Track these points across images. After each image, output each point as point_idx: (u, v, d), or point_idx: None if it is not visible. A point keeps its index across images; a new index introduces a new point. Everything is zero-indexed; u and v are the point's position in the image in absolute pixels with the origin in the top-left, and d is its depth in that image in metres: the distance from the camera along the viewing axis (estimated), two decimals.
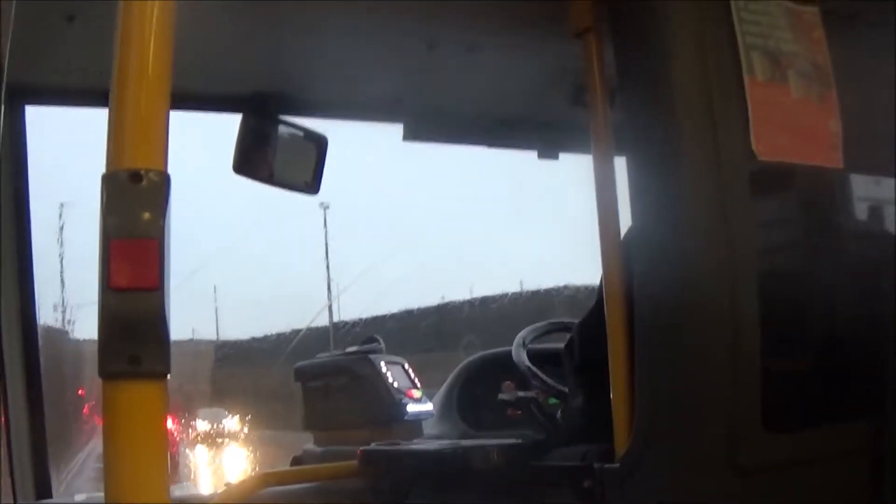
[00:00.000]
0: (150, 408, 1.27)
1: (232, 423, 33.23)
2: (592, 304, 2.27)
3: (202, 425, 32.91)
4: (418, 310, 33.77)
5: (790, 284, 1.86)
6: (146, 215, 1.28)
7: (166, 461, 1.28)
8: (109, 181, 1.29)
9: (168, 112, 1.33)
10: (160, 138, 1.32)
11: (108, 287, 1.25)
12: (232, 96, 2.79)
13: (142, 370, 1.25)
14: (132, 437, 1.26)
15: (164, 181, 1.30)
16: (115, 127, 1.31)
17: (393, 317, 32.66)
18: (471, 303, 32.18)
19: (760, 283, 1.75)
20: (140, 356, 1.25)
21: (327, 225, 36.58)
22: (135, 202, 1.28)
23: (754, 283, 1.74)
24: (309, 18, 2.40)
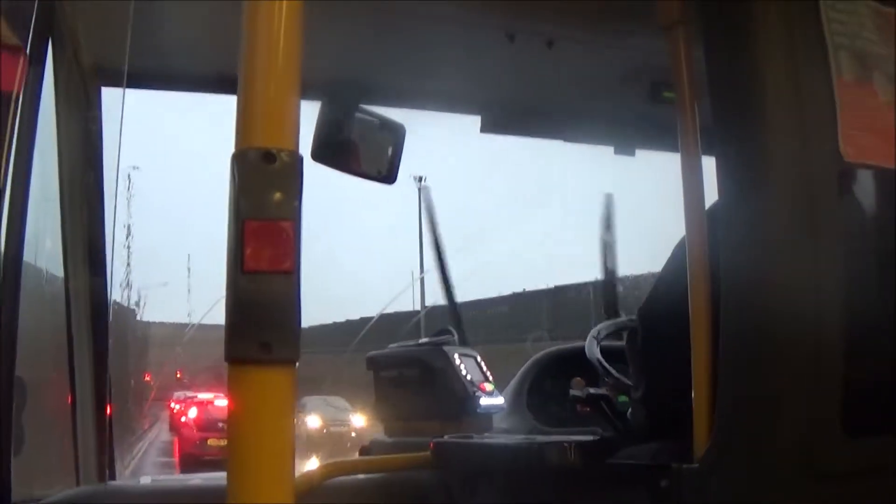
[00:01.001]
0: (279, 394, 1.24)
1: (356, 418, 25.23)
2: (650, 293, 2.25)
3: (313, 421, 25.91)
4: (492, 298, 33.34)
5: (874, 286, 1.83)
6: (280, 196, 1.24)
7: (293, 449, 1.24)
8: (241, 160, 1.25)
9: (299, 91, 1.30)
10: (292, 118, 1.29)
11: (242, 270, 1.22)
12: (311, 84, 2.80)
13: (272, 356, 1.22)
14: (259, 424, 1.23)
15: (297, 161, 1.27)
16: (246, 104, 1.28)
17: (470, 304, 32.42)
18: (546, 292, 31.77)
19: (845, 285, 1.72)
20: (271, 342, 1.22)
21: (422, 202, 35.92)
22: (268, 182, 1.24)
23: (839, 284, 1.72)
24: (388, 7, 2.41)
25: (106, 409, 2.99)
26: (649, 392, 2.37)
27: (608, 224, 4.11)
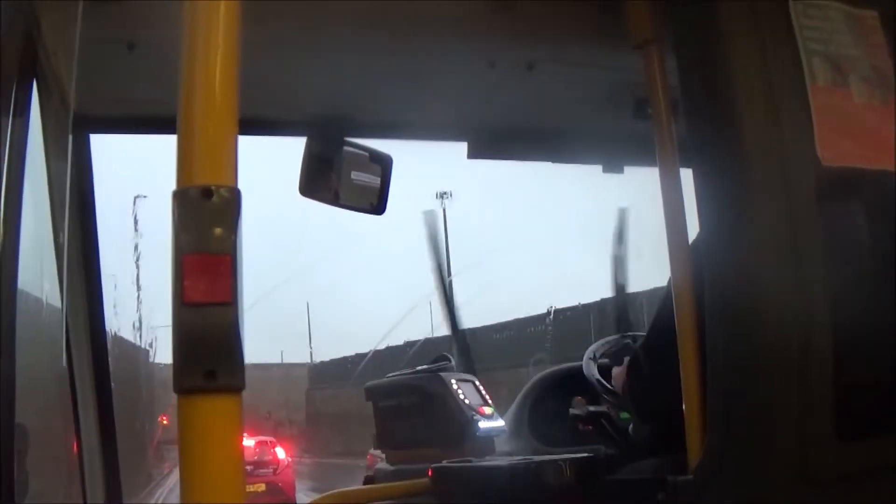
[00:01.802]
0: (225, 422, 1.27)
1: None
2: (653, 318, 2.27)
3: None
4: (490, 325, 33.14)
5: (860, 290, 1.84)
6: (218, 231, 1.28)
7: (242, 475, 1.27)
8: (181, 197, 1.29)
9: (237, 128, 1.33)
10: (230, 155, 1.32)
11: (182, 302, 1.26)
12: (296, 119, 2.83)
13: (217, 385, 1.25)
14: (208, 452, 1.26)
15: (235, 197, 1.30)
16: (184, 144, 1.31)
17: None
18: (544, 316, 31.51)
19: (831, 290, 1.73)
20: (215, 371, 1.25)
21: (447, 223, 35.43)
22: (206, 218, 1.28)
23: (825, 290, 1.73)
24: (370, 42, 2.43)
25: (111, 433, 3.00)
26: (656, 416, 2.38)
27: (621, 238, 4.10)
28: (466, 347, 4.24)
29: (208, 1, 1.34)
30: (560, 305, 30.01)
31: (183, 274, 1.26)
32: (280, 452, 25.42)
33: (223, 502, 1.25)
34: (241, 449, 1.30)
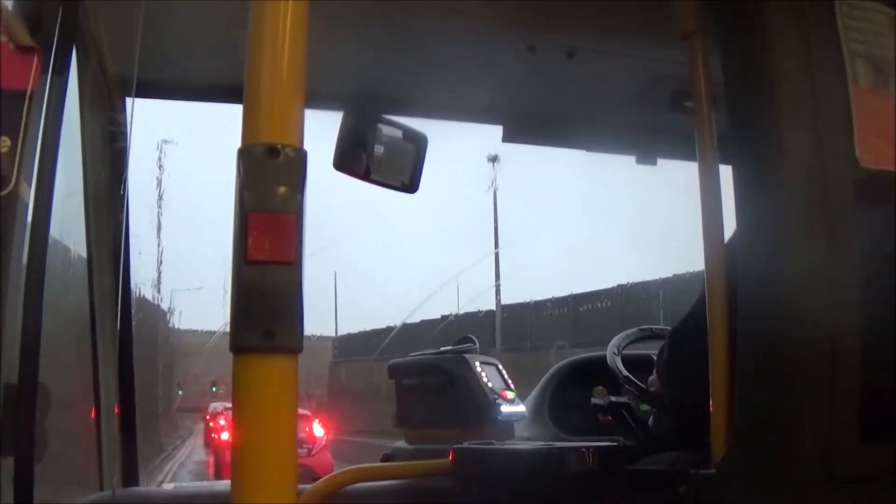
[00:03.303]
0: (282, 383, 1.27)
1: None
2: (687, 313, 2.26)
3: None
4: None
5: (892, 293, 1.83)
6: (284, 190, 1.28)
7: (295, 439, 1.27)
8: (246, 155, 1.29)
9: (304, 88, 1.34)
10: (297, 114, 1.32)
11: (245, 260, 1.26)
12: (334, 94, 2.83)
13: (275, 345, 1.25)
14: (262, 413, 1.26)
15: (301, 157, 1.30)
16: (250, 102, 1.32)
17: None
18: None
19: (862, 293, 1.73)
20: (274, 331, 1.25)
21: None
22: (272, 176, 1.28)
23: (857, 291, 1.72)
24: (410, 20, 2.43)
25: (131, 415, 3.01)
26: (674, 402, 2.38)
27: None
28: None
29: None
30: (632, 280, 28.38)
31: (247, 231, 1.26)
32: (317, 429, 21.20)
33: (275, 462, 1.25)
34: (296, 408, 1.29)
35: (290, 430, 1.27)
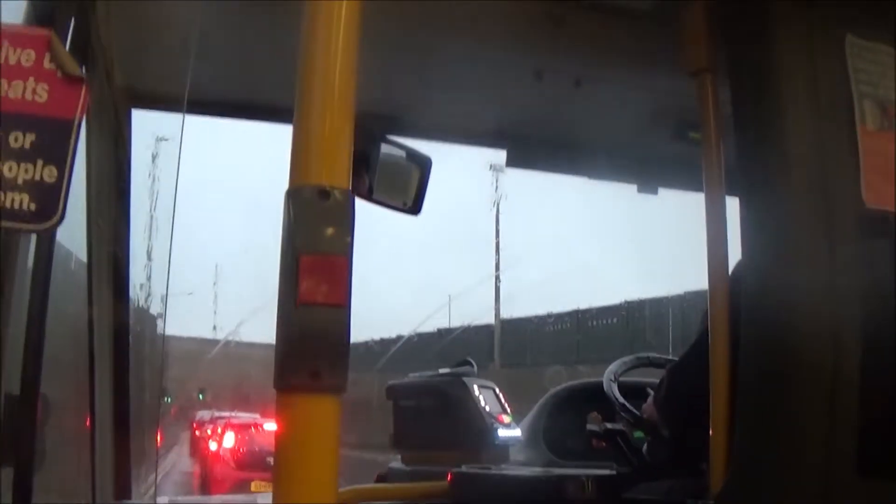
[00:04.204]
0: (325, 422, 1.28)
1: None
2: (689, 347, 2.28)
3: None
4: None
5: (892, 331, 1.84)
6: (334, 231, 1.30)
7: (336, 475, 1.28)
8: (296, 196, 1.30)
9: (353, 130, 1.35)
10: (345, 156, 1.34)
11: (296, 302, 1.26)
12: None
13: (321, 385, 1.26)
14: (306, 450, 1.27)
15: (350, 199, 1.32)
16: (300, 142, 1.33)
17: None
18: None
19: (863, 329, 1.74)
20: (320, 371, 1.26)
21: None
22: (322, 218, 1.29)
23: (857, 327, 1.74)
24: (418, 41, 2.44)
25: (126, 428, 3.01)
26: (670, 434, 2.39)
27: None
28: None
29: (330, 1, 1.36)
30: (638, 297, 27.23)
31: (299, 274, 1.27)
32: None
33: (315, 498, 1.26)
34: (338, 448, 1.30)
35: (331, 466, 1.28)
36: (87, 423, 2.88)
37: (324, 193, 1.29)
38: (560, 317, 29.50)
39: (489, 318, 30.73)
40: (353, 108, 1.35)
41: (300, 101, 1.34)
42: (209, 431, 23.37)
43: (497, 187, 32.01)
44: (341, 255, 1.30)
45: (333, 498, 1.28)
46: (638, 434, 2.66)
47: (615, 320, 27.02)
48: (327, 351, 1.28)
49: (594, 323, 27.98)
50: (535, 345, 28.63)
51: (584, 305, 28.91)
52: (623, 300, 27.21)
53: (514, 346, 29.69)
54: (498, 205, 31.73)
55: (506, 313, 30.94)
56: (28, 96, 1.72)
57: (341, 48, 1.35)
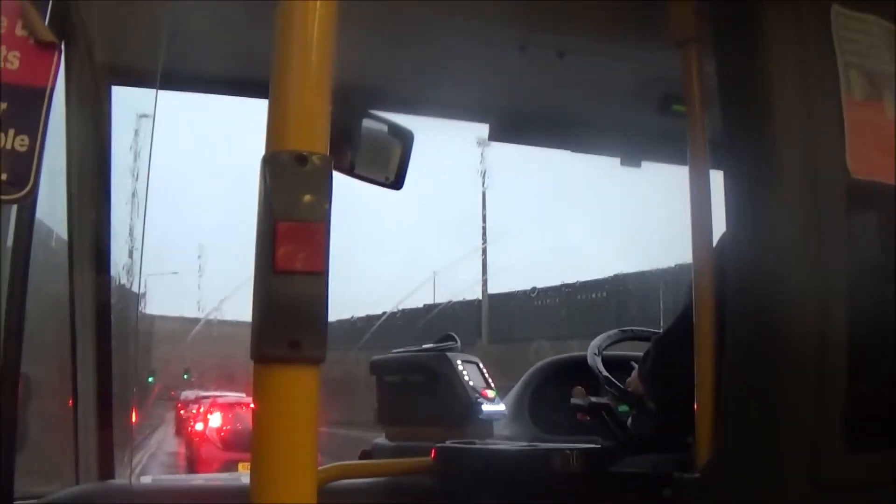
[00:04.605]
0: (305, 393, 1.26)
1: None
2: (675, 319, 2.27)
3: None
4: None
5: (880, 302, 1.84)
6: (312, 198, 1.28)
7: (315, 448, 1.27)
8: (273, 162, 1.28)
9: (329, 96, 1.33)
10: (323, 122, 1.32)
11: (273, 270, 1.25)
12: None
13: (300, 355, 1.25)
14: (284, 422, 1.26)
15: (327, 164, 1.30)
16: (276, 108, 1.31)
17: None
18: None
19: (850, 301, 1.73)
20: (300, 341, 1.24)
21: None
22: (300, 184, 1.27)
23: (844, 299, 1.73)
24: (399, 15, 2.42)
25: (108, 408, 3.00)
26: (656, 407, 2.39)
27: None
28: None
29: None
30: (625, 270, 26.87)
31: (276, 241, 1.25)
32: None
33: (295, 472, 1.25)
34: (317, 418, 1.29)
35: (310, 439, 1.27)
36: (70, 403, 2.87)
37: (301, 159, 1.28)
38: (547, 291, 29.27)
39: (473, 294, 30.73)
40: (330, 73, 1.34)
41: (277, 66, 1.33)
42: (194, 411, 23.14)
43: (482, 159, 31.82)
44: (319, 221, 1.28)
45: (313, 469, 1.27)
46: (623, 408, 2.66)
47: (604, 294, 26.75)
48: (306, 320, 1.26)
49: (583, 297, 27.69)
50: (523, 320, 28.54)
51: (571, 280, 28.75)
52: (612, 274, 27.08)
53: (502, 321, 29.66)
54: (484, 174, 31.55)
55: (491, 289, 30.89)
56: (0, 64, 1.70)
57: (319, 15, 1.34)
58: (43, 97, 1.72)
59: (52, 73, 1.74)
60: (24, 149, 1.67)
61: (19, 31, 1.73)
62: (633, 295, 24.80)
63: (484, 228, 30.99)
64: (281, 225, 1.26)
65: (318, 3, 1.34)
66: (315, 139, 1.30)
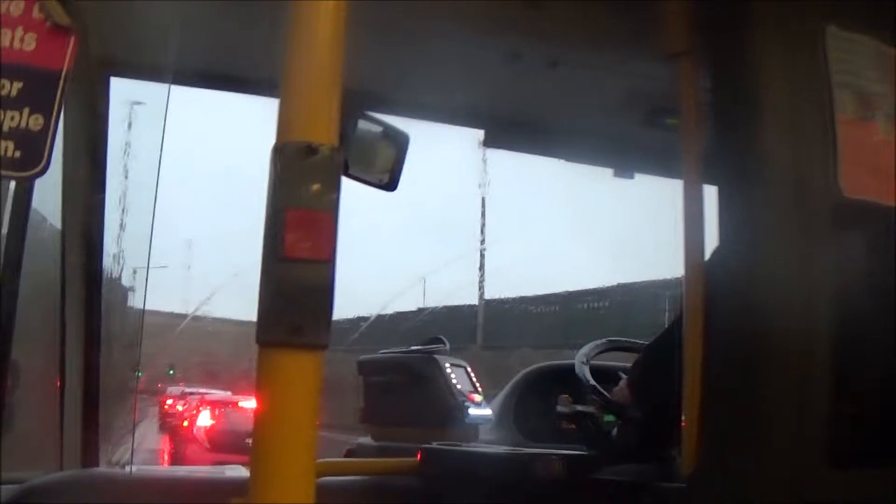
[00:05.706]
0: (307, 378, 1.28)
1: None
2: (665, 330, 2.28)
3: None
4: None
5: (866, 320, 1.85)
6: (320, 188, 1.29)
7: (316, 434, 1.28)
8: (282, 152, 1.30)
9: (340, 87, 1.34)
10: (332, 113, 1.33)
11: (280, 256, 1.27)
12: None
13: (303, 341, 1.27)
14: (286, 407, 1.27)
15: (337, 156, 1.31)
16: (288, 99, 1.33)
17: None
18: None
19: (836, 318, 1.75)
20: (303, 326, 1.26)
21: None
22: (309, 174, 1.29)
23: (832, 316, 1.75)
24: (396, 19, 2.43)
25: (94, 396, 3.00)
26: (643, 416, 2.40)
27: None
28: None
29: None
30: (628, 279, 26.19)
31: (284, 228, 1.27)
32: None
33: (295, 457, 1.26)
34: (319, 405, 1.30)
35: (311, 424, 1.28)
36: (57, 388, 2.88)
37: (311, 149, 1.29)
38: (546, 298, 29.04)
39: (461, 299, 30.50)
40: (341, 64, 1.35)
41: (289, 58, 1.34)
42: (180, 408, 23.04)
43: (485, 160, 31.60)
44: (327, 210, 1.30)
45: (313, 454, 1.28)
46: (608, 417, 2.67)
47: (607, 303, 26.62)
48: (310, 306, 1.28)
49: (584, 306, 27.46)
50: (518, 327, 28.35)
51: (568, 288, 28.49)
52: (616, 283, 26.87)
53: (497, 327, 29.40)
54: (484, 174, 31.35)
55: (491, 293, 30.63)
56: (16, 45, 1.72)
57: (331, 9, 1.35)
58: (58, 80, 1.74)
59: (69, 56, 1.76)
60: (38, 128, 1.70)
61: (36, 14, 1.74)
62: (637, 304, 24.56)
63: (482, 224, 30.80)
64: (289, 212, 1.28)
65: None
66: (325, 131, 1.32)
